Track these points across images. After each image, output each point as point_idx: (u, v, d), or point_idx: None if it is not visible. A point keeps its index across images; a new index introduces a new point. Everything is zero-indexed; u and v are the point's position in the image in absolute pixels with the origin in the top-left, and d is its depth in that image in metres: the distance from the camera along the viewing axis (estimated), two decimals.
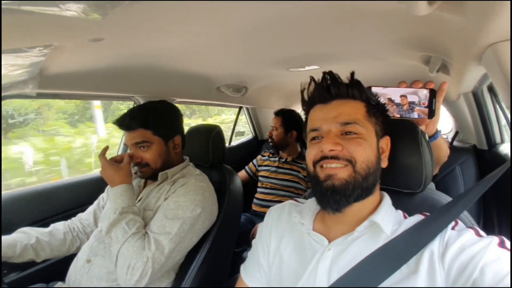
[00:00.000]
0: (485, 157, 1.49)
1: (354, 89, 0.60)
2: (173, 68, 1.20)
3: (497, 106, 1.29)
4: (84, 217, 1.13)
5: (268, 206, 1.76)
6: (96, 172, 1.55)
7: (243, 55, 1.15)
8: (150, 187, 1.04)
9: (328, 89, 0.60)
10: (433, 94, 0.66)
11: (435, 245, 0.49)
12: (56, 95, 1.13)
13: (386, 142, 0.62)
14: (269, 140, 1.96)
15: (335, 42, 1.02)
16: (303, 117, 0.70)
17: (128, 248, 0.82)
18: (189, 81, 1.42)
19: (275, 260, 0.66)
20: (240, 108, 2.38)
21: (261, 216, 1.78)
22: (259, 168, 2.02)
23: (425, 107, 0.67)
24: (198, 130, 1.26)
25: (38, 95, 0.99)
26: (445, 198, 0.68)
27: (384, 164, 0.61)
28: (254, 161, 2.10)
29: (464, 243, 0.47)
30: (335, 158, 0.55)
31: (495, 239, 0.46)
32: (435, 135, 0.78)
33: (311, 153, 0.59)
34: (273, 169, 1.90)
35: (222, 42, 0.95)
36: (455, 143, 1.84)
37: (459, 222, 0.54)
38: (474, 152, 1.57)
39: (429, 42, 0.85)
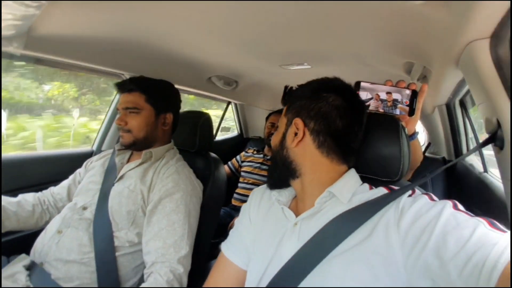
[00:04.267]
0: (452, 167, 1.61)
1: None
2: (166, 49, 1.19)
3: (466, 120, 1.41)
4: (56, 191, 1.07)
5: None
6: (74, 148, 1.49)
7: (237, 45, 1.17)
8: (131, 164, 1.01)
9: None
10: (414, 94, 0.72)
11: (390, 212, 0.51)
12: (39, 60, 1.08)
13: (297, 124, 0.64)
14: (270, 138, 1.96)
15: (327, 41, 1.07)
16: None
17: None
18: (181, 66, 1.42)
19: (256, 232, 0.69)
20: (229, 103, 2.40)
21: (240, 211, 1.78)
22: (242, 164, 2.03)
23: (407, 105, 0.73)
24: (187, 116, 1.25)
25: (20, 57, 0.95)
26: (418, 188, 0.74)
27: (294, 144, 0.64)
28: (238, 157, 2.11)
29: (419, 209, 0.48)
30: None
31: (448, 203, 0.47)
32: (412, 135, 0.84)
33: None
34: (257, 165, 1.92)
35: (219, 29, 0.97)
36: (426, 154, 1.97)
37: (417, 191, 0.57)
38: (443, 163, 1.69)
39: (413, 47, 0.92)
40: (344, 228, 0.53)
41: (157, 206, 0.89)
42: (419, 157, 0.91)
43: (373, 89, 0.74)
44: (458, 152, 1.54)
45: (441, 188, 1.60)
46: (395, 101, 0.74)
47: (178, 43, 1.13)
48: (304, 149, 0.63)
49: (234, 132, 2.65)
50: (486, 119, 0.60)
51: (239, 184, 1.95)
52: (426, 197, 0.52)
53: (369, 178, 0.71)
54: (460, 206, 0.48)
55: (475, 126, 1.34)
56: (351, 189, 0.60)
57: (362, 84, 0.73)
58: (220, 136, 2.49)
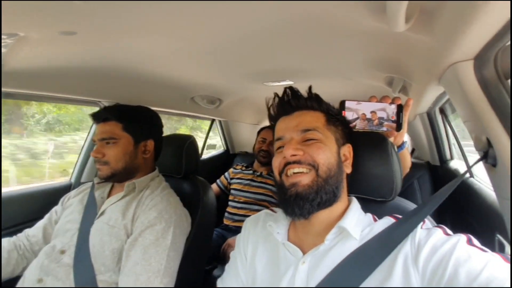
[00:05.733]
0: (437, 172, 1.65)
1: (313, 101, 0.65)
2: (147, 73, 1.15)
3: (447, 126, 1.46)
4: (31, 233, 0.98)
5: (241, 221, 1.74)
6: (48, 182, 1.39)
7: (220, 66, 1.16)
8: (112, 199, 0.94)
9: (289, 102, 0.65)
10: (400, 109, 0.72)
11: (407, 247, 0.50)
12: (10, 94, 1.00)
13: (348, 150, 0.66)
14: (261, 154, 1.92)
15: (310, 59, 1.07)
16: None
17: None
18: (163, 89, 1.38)
19: (250, 271, 0.64)
20: (213, 120, 2.36)
21: (233, 231, 1.72)
22: (231, 181, 1.98)
23: (393, 121, 0.73)
24: (171, 139, 1.21)
25: None
26: (412, 205, 0.73)
27: (348, 170, 0.64)
28: (226, 174, 2.06)
29: (435, 243, 0.48)
30: (297, 162, 0.58)
31: (462, 237, 0.48)
32: (401, 146, 0.85)
33: (276, 162, 0.62)
34: (246, 182, 1.88)
35: (201, 51, 0.95)
36: (412, 159, 2.02)
37: (426, 221, 0.57)
38: (428, 168, 1.73)
39: (394, 64, 0.94)
40: (360, 268, 0.51)
41: (137, 239, 0.82)
42: (408, 165, 0.91)
43: (358, 108, 0.73)
44: (441, 156, 1.59)
45: (428, 193, 1.63)
46: (380, 119, 0.74)
47: (161, 67, 1.10)
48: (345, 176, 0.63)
49: (220, 150, 2.60)
50: (475, 137, 0.60)
51: (230, 203, 1.89)
52: (440, 230, 0.51)
53: (362, 198, 0.69)
54: (475, 241, 0.48)
55: (456, 131, 1.38)
56: (359, 223, 0.58)
57: (347, 104, 0.73)
58: (206, 155, 2.43)
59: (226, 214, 1.86)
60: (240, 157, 2.43)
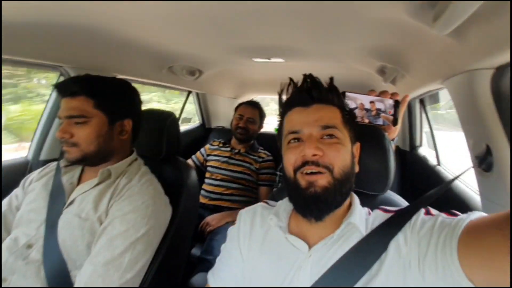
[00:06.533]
0: (405, 157, 1.77)
1: (334, 95, 0.61)
2: (119, 37, 0.98)
3: (423, 116, 1.54)
4: None
5: (219, 199, 1.73)
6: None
7: (205, 35, 1.02)
8: (84, 186, 0.83)
9: (309, 92, 0.60)
10: (397, 104, 0.73)
11: (400, 237, 0.52)
12: None
13: (357, 148, 0.65)
14: (238, 131, 1.83)
15: (303, 38, 1.00)
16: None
17: None
18: (137, 55, 1.20)
19: (249, 267, 0.62)
20: (189, 92, 2.19)
21: (210, 209, 1.70)
22: (208, 158, 1.91)
23: (390, 115, 0.74)
24: (149, 116, 1.08)
25: None
26: (400, 199, 0.77)
27: (356, 169, 0.64)
28: (202, 150, 1.97)
29: (423, 217, 0.52)
30: (315, 163, 0.55)
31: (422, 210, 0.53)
32: (393, 140, 0.87)
33: (291, 157, 0.58)
34: (224, 159, 1.83)
35: (183, 17, 0.81)
36: None
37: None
38: (398, 153, 1.84)
39: (392, 54, 0.92)
40: (363, 260, 0.51)
41: (106, 228, 0.74)
42: None
43: (357, 98, 0.74)
44: (412, 143, 1.69)
45: (396, 176, 1.75)
46: (378, 110, 0.76)
47: (134, 29, 0.93)
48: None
49: (195, 123, 2.47)
50: (474, 142, 0.62)
51: (206, 180, 1.84)
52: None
53: (355, 191, 0.70)
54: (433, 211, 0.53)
55: (431, 122, 1.47)
56: (363, 218, 0.58)
57: (347, 94, 0.73)
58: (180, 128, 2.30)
59: (202, 191, 1.81)
60: (216, 132, 2.34)
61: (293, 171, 0.57)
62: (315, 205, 0.55)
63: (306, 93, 0.60)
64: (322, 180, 0.55)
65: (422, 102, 1.46)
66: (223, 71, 1.74)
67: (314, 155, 0.55)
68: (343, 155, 0.57)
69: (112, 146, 0.85)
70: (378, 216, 0.59)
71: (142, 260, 0.74)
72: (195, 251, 1.44)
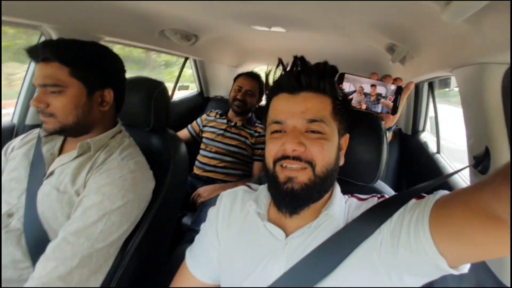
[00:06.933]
0: (407, 141, 1.71)
1: (326, 83, 0.55)
2: None
3: (430, 100, 1.45)
4: None
5: (213, 172, 1.73)
6: None
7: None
8: (64, 158, 0.80)
9: (298, 78, 0.55)
10: (399, 91, 0.68)
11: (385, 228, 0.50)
12: None
13: (345, 140, 0.61)
14: (236, 103, 1.76)
15: (308, 7, 0.89)
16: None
17: None
18: (124, 16, 1.10)
19: (228, 253, 0.62)
20: (186, 59, 2.08)
21: (203, 180, 1.71)
22: (203, 129, 1.88)
23: (391, 102, 0.68)
24: (137, 85, 1.02)
25: None
26: (389, 190, 0.74)
27: (342, 162, 0.60)
28: (198, 120, 1.93)
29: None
30: (296, 158, 0.52)
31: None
32: (389, 129, 0.81)
33: (272, 149, 0.55)
34: (220, 132, 1.79)
35: None
36: None
37: None
38: (399, 136, 1.78)
39: (405, 33, 0.82)
40: (341, 249, 0.51)
41: (82, 199, 0.73)
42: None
43: (357, 80, 0.68)
44: (415, 127, 1.62)
45: (394, 160, 1.71)
46: (378, 95, 0.70)
47: None
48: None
49: (193, 91, 2.39)
50: (474, 142, 0.57)
51: (201, 151, 1.83)
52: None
53: (342, 180, 0.68)
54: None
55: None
56: (342, 209, 0.57)
57: (346, 75, 0.68)
58: (177, 95, 2.23)
59: (196, 162, 1.81)
60: (214, 102, 2.27)
61: (273, 162, 0.55)
62: (290, 202, 0.54)
63: (294, 78, 0.54)
64: (303, 176, 0.52)
65: (431, 85, 1.36)
66: (222, 37, 1.62)
67: (295, 150, 0.51)
68: (327, 152, 0.53)
69: (92, 117, 0.80)
70: (352, 205, 0.57)
71: (118, 232, 0.73)
72: (186, 220, 1.47)
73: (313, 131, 0.53)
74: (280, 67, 0.59)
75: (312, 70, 0.55)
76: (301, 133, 0.53)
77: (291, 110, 0.54)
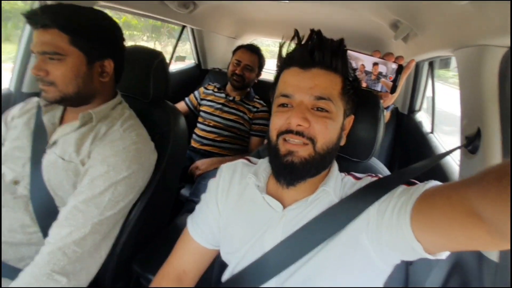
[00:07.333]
0: (403, 121, 1.73)
1: (339, 61, 0.55)
2: None
3: (429, 80, 1.45)
4: None
5: (211, 145, 1.75)
6: None
7: None
8: (66, 128, 0.80)
9: (312, 53, 0.54)
10: (399, 70, 0.68)
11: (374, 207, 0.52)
12: None
13: (349, 121, 0.62)
14: (234, 78, 1.73)
15: None
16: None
17: None
18: None
19: (227, 222, 0.66)
20: (183, 28, 1.99)
21: (200, 153, 1.73)
22: (201, 102, 1.86)
23: (391, 81, 0.69)
24: (135, 55, 0.99)
25: None
26: (384, 168, 0.78)
27: (343, 142, 0.62)
28: (196, 93, 1.91)
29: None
30: (299, 134, 0.54)
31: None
32: (387, 108, 0.83)
33: (277, 122, 0.56)
34: (218, 106, 1.78)
35: None
36: None
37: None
38: (396, 115, 1.79)
39: (410, 10, 0.80)
40: (333, 223, 0.54)
41: (88, 170, 0.75)
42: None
43: (359, 58, 0.69)
44: (411, 106, 1.64)
45: (389, 139, 1.73)
46: (380, 74, 0.71)
47: None
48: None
49: (190, 63, 2.32)
50: (467, 123, 0.59)
51: (198, 125, 1.83)
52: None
53: (338, 156, 0.71)
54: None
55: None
56: (338, 185, 0.59)
57: (349, 52, 0.66)
58: (174, 66, 2.17)
59: (194, 135, 1.82)
60: (212, 74, 2.22)
61: (276, 135, 0.56)
62: (288, 174, 0.56)
63: (308, 53, 0.54)
64: (303, 152, 0.54)
65: (431, 64, 1.35)
66: (221, 6, 1.55)
67: (299, 125, 0.53)
68: (330, 131, 0.55)
69: (92, 88, 0.80)
70: (348, 183, 0.60)
71: (125, 201, 0.77)
72: (185, 191, 1.52)
73: (319, 109, 0.54)
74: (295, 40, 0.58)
75: (327, 46, 0.54)
76: (307, 109, 0.54)
77: (300, 84, 0.54)
